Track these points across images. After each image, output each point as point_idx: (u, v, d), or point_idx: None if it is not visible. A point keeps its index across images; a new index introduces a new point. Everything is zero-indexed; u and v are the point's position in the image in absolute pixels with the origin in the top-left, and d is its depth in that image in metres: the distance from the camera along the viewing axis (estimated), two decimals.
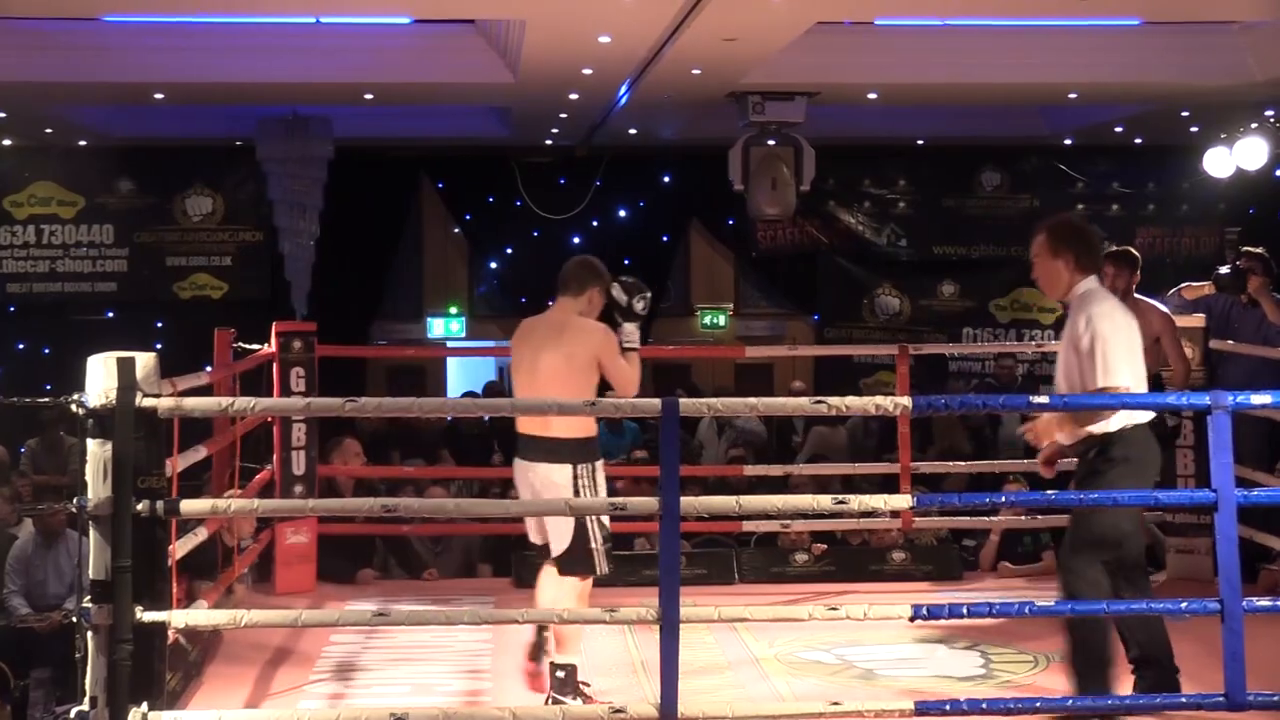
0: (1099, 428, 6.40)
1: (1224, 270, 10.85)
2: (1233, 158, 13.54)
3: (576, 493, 6.75)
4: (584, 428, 6.80)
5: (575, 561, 6.82)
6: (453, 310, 17.39)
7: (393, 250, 16.86)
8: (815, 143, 13.86)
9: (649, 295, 7.09)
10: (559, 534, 6.82)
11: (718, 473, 12.06)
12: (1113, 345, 6.34)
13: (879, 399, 6.11)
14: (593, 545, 6.79)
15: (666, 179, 17.22)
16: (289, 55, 12.41)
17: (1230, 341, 10.23)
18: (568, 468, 6.76)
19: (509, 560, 9.74)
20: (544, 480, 6.79)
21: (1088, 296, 6.50)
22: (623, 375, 6.84)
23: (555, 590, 6.88)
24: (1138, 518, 6.64)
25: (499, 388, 15.56)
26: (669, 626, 5.79)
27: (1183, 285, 10.99)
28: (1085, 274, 6.56)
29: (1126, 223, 17.16)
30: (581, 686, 6.81)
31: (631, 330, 6.98)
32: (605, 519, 6.74)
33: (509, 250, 17.06)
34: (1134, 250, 9.28)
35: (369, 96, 13.58)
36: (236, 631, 7.23)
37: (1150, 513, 9.85)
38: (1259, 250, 11.20)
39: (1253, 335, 10.58)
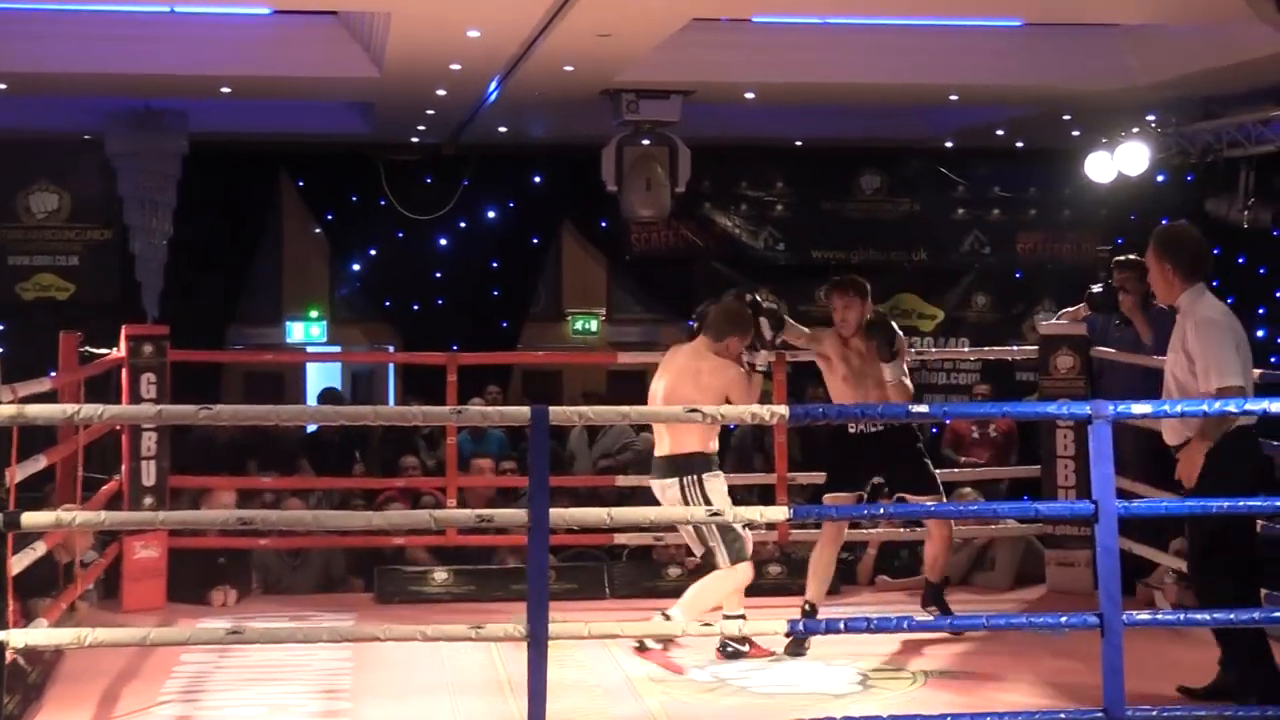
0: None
1: (1096, 289, 11.01)
2: (1114, 163, 13.77)
3: (686, 502, 7.79)
4: (692, 443, 7.84)
5: (712, 557, 7.85)
6: (313, 314, 17.23)
7: (250, 251, 16.67)
8: (691, 143, 13.90)
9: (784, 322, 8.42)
10: (691, 542, 8.05)
11: (589, 483, 12.05)
12: (1223, 346, 6.71)
13: (755, 407, 6.15)
14: (713, 544, 7.81)
15: (537, 179, 17.18)
16: (141, 45, 12.23)
17: (1111, 350, 10.39)
18: (675, 481, 7.87)
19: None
20: (660, 494, 7.98)
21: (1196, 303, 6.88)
22: (747, 402, 7.83)
23: (709, 581, 7.85)
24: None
25: (338, 396, 15.45)
26: (537, 644, 5.78)
27: (1062, 312, 11.16)
28: (1191, 282, 6.91)
29: (1007, 228, 17.39)
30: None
31: (765, 357, 8.19)
32: (727, 511, 7.00)
33: (372, 251, 16.94)
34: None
35: (226, 90, 13.43)
36: (80, 651, 7.10)
37: (1031, 524, 10.00)
38: (1132, 258, 11.36)
39: (1132, 352, 10.75)
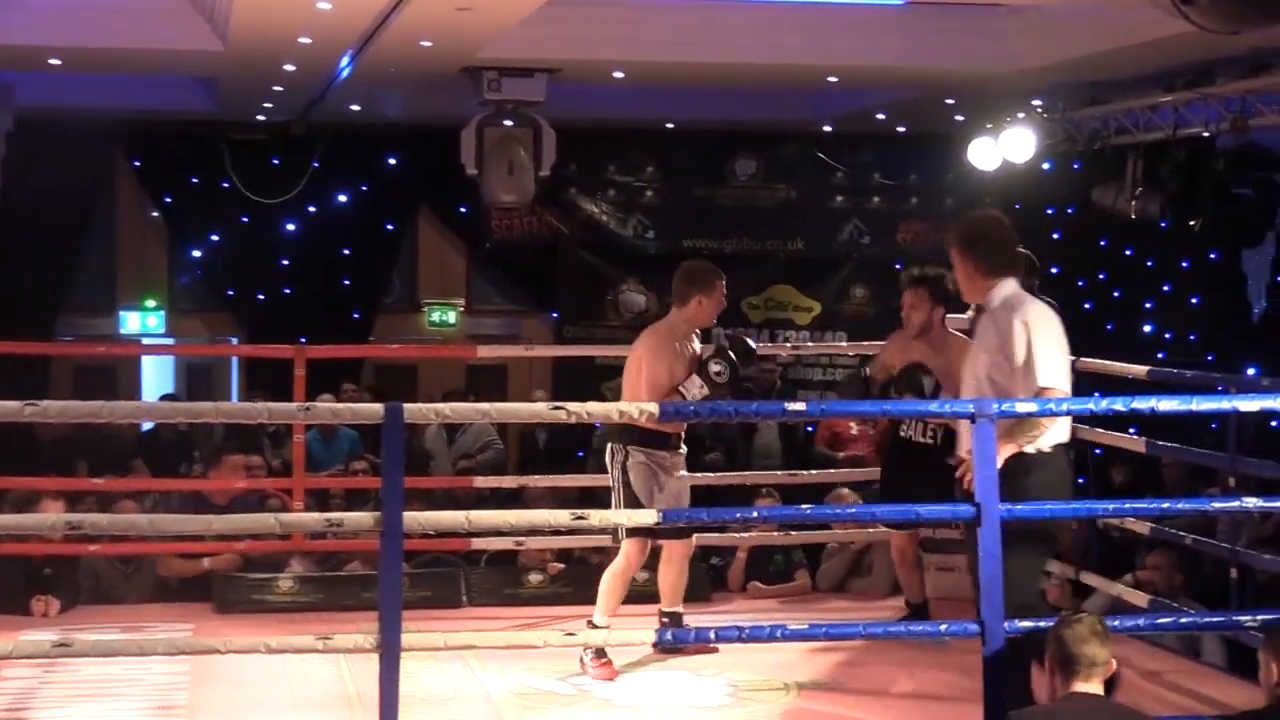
0: (1032, 445, 6.62)
1: None
2: (999, 149, 13.92)
3: (609, 471, 8.08)
4: None
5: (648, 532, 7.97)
6: (150, 303, 17.00)
7: (82, 235, 16.42)
8: (556, 124, 13.88)
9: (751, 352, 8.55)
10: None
11: (445, 485, 12.01)
12: (1049, 347, 6.67)
13: (622, 405, 6.15)
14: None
15: (392, 161, 17.08)
16: None
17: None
18: (608, 448, 8.11)
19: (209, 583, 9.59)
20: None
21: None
22: (653, 381, 8.04)
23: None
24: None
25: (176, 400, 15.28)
26: (389, 655, 5.75)
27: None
28: (997, 276, 6.81)
29: (888, 217, 17.53)
30: None
31: (718, 370, 8.20)
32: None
33: (215, 237, 16.75)
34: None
35: (56, 62, 13.21)
36: None
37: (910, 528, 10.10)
38: (1022, 251, 11.52)
39: None
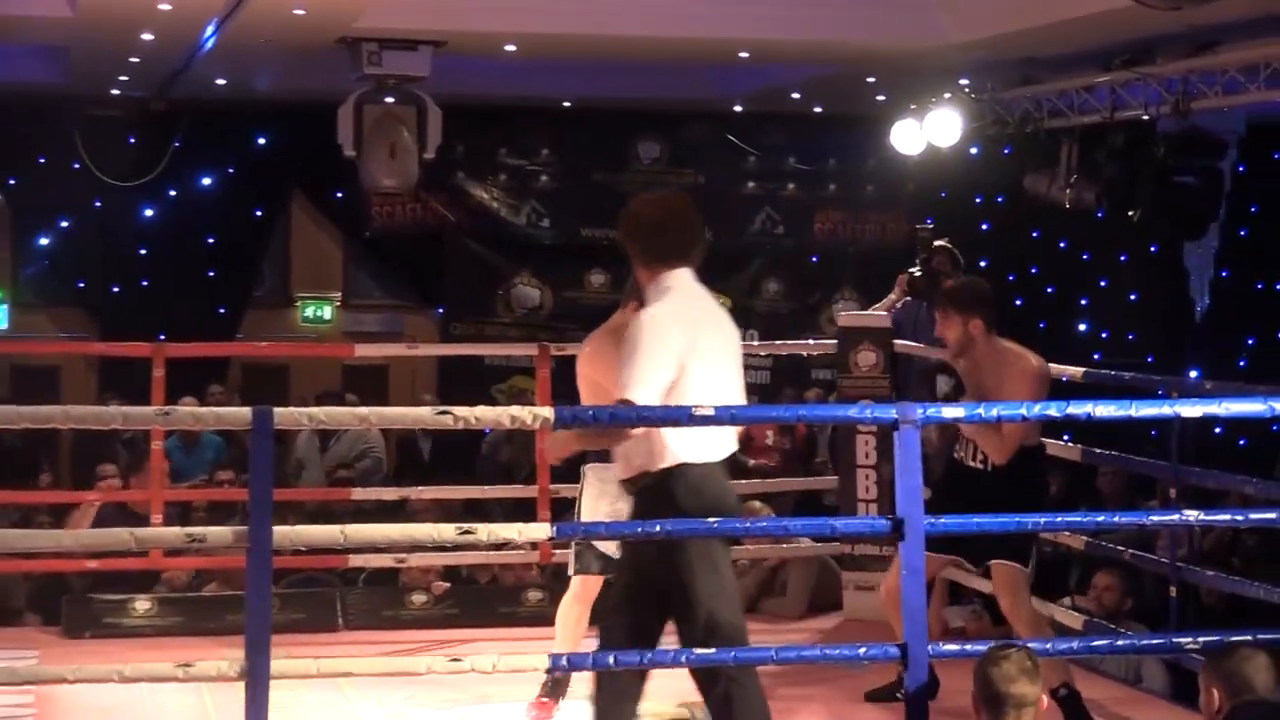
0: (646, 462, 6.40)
1: (916, 271, 11.23)
2: (923, 132, 14.01)
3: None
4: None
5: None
6: None
7: None
8: (442, 102, 13.84)
9: None
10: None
11: (320, 497, 11.96)
12: (651, 353, 6.27)
13: (515, 410, 6.13)
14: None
15: (262, 141, 16.98)
16: None
17: (921, 345, 10.58)
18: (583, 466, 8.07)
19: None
20: None
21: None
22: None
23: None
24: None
25: None
26: (256, 684, 5.71)
27: (875, 306, 11.37)
28: (664, 266, 6.48)
29: (804, 205, 17.62)
30: None
31: None
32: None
33: (64, 224, 16.60)
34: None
35: None
36: None
37: (827, 543, 10.14)
38: (943, 244, 11.65)
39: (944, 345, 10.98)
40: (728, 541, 6.46)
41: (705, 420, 6.13)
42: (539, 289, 17.35)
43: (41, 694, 7.69)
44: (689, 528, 6.16)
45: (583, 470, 8.07)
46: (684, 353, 6.25)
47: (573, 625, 8.07)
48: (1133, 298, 17.36)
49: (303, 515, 11.05)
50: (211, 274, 16.80)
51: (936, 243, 11.65)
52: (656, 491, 6.33)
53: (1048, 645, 6.57)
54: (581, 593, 8.06)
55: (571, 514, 8.36)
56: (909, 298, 11.44)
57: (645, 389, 6.16)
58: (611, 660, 6.26)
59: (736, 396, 6.45)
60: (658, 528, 6.12)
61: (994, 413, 6.74)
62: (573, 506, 8.28)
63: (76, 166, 16.40)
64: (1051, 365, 9.06)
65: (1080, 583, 10.19)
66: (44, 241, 16.65)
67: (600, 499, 7.91)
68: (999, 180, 15.77)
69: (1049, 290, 17.32)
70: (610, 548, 7.78)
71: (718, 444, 6.37)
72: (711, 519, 6.22)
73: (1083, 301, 17.42)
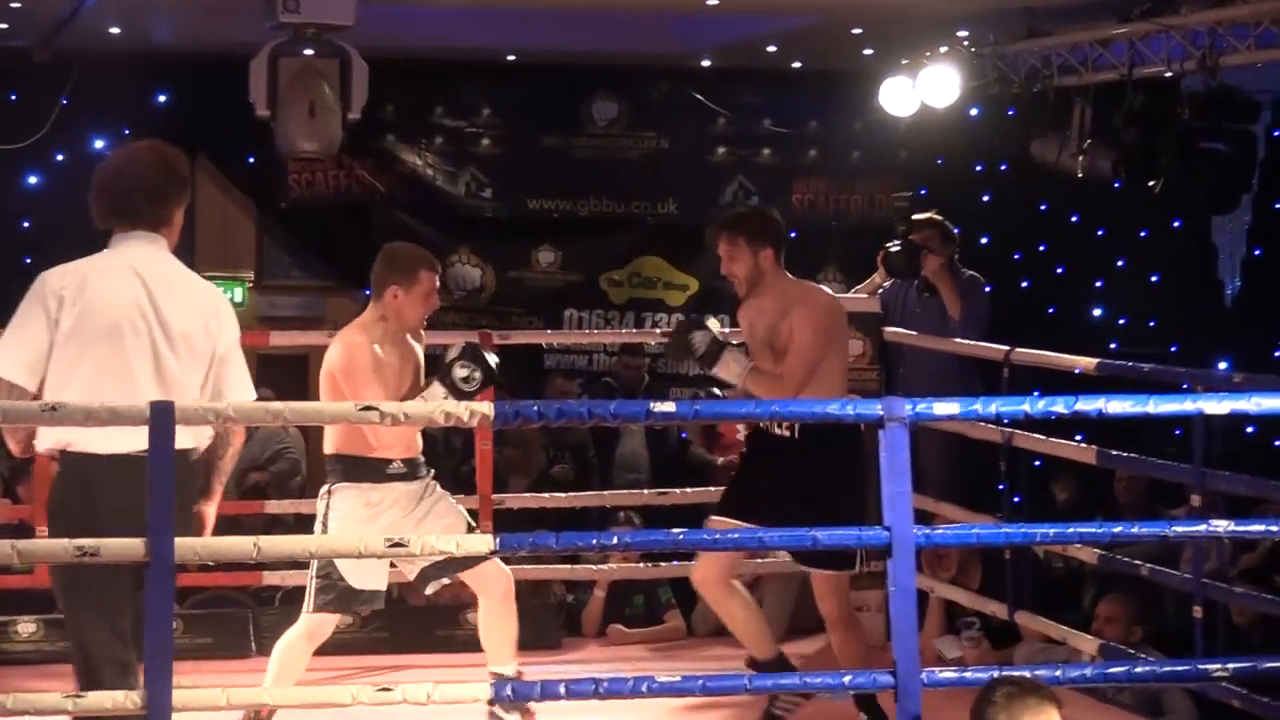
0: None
1: (893, 248, 11.25)
2: (916, 91, 14.04)
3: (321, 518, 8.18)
4: (332, 441, 8.23)
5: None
6: None
7: None
8: (369, 55, 13.80)
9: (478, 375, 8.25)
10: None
11: (228, 509, 11.92)
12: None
13: (449, 405, 6.15)
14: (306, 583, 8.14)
15: (162, 98, 16.93)
16: None
17: (910, 331, 10.64)
18: (323, 489, 8.26)
19: None
20: None
21: None
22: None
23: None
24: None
25: None
26: (157, 717, 5.71)
27: (857, 288, 11.42)
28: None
29: (781, 173, 17.60)
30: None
31: (466, 374, 8.23)
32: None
33: None
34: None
35: None
36: None
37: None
38: (931, 216, 11.65)
39: (937, 331, 11.04)
40: None
41: (667, 417, 6.15)
42: (480, 268, 17.34)
43: None
44: (651, 539, 6.17)
45: (329, 491, 8.26)
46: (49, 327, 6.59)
47: (294, 665, 8.22)
48: (1154, 279, 17.40)
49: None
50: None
51: (921, 215, 11.66)
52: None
53: (1057, 673, 6.60)
54: (313, 635, 8.24)
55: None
56: (889, 277, 11.49)
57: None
58: (562, 690, 6.29)
59: (133, 389, 6.52)
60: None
61: (993, 408, 6.77)
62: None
63: None
64: (1060, 356, 9.09)
65: (1095, 603, 10.23)
66: None
67: (347, 522, 8.09)
68: (1002, 146, 15.77)
69: (1059, 270, 17.36)
70: (368, 580, 8.02)
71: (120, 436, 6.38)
72: (677, 531, 6.23)
73: (1097, 283, 17.46)
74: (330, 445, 8.25)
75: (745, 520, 8.03)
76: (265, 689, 6.54)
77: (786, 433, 8.14)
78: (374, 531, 7.82)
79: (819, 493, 7.99)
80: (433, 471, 8.45)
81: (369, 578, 8.02)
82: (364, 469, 8.10)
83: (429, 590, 8.47)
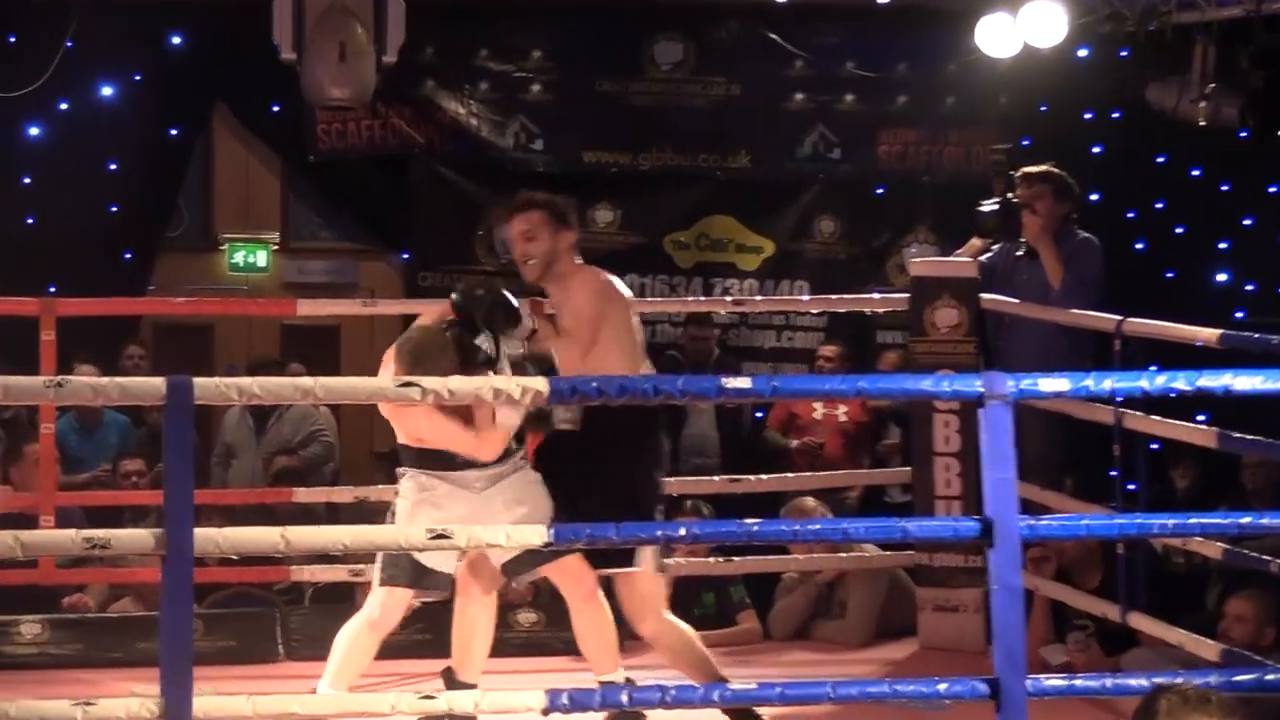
0: None
1: (988, 207, 11.18)
2: (1018, 29, 13.98)
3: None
4: (403, 430, 8.35)
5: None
6: None
7: None
8: None
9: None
10: None
11: (254, 497, 11.99)
12: None
13: (499, 380, 6.17)
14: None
15: (177, 40, 16.98)
16: None
17: (1013, 299, 10.61)
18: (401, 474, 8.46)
19: None
20: None
21: None
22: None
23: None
24: None
25: None
26: None
27: (958, 252, 11.37)
28: None
29: (866, 122, 17.55)
30: None
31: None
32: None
33: None
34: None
35: None
36: None
37: (898, 552, 10.19)
38: (1045, 169, 11.56)
39: (1041, 301, 10.98)
40: None
41: (741, 394, 6.16)
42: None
43: None
44: (722, 531, 6.17)
45: (400, 474, 8.41)
46: None
47: (358, 655, 8.35)
48: None
49: (233, 516, 11.08)
50: (113, 209, 16.80)
51: (1035, 167, 11.58)
52: None
53: (1179, 680, 6.58)
54: (381, 617, 8.35)
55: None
56: (986, 240, 11.43)
57: None
58: (625, 699, 6.30)
59: None
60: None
61: (1106, 384, 6.74)
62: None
63: None
64: (1180, 327, 9.04)
65: (1220, 602, 10.19)
66: None
67: (420, 508, 8.25)
68: (1114, 92, 15.75)
69: (1178, 231, 17.27)
70: (436, 560, 8.18)
71: None
72: (750, 522, 6.24)
73: (1221, 245, 17.37)
74: (402, 434, 8.43)
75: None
76: (295, 697, 6.54)
77: (569, 426, 8.47)
78: (444, 519, 7.91)
79: (593, 481, 8.37)
80: (522, 451, 8.49)
81: (436, 556, 8.09)
82: (430, 455, 8.21)
83: (516, 586, 8.66)
